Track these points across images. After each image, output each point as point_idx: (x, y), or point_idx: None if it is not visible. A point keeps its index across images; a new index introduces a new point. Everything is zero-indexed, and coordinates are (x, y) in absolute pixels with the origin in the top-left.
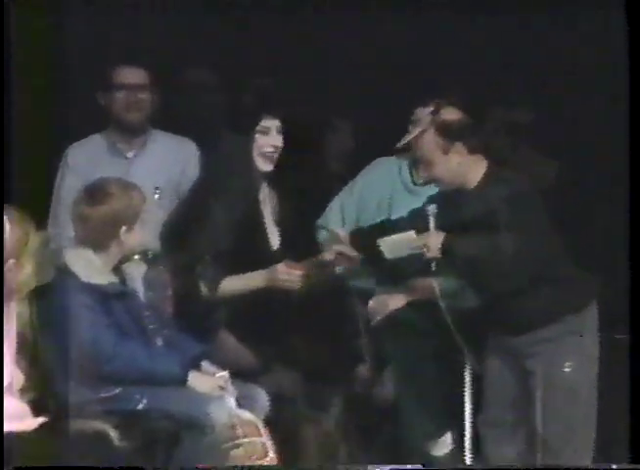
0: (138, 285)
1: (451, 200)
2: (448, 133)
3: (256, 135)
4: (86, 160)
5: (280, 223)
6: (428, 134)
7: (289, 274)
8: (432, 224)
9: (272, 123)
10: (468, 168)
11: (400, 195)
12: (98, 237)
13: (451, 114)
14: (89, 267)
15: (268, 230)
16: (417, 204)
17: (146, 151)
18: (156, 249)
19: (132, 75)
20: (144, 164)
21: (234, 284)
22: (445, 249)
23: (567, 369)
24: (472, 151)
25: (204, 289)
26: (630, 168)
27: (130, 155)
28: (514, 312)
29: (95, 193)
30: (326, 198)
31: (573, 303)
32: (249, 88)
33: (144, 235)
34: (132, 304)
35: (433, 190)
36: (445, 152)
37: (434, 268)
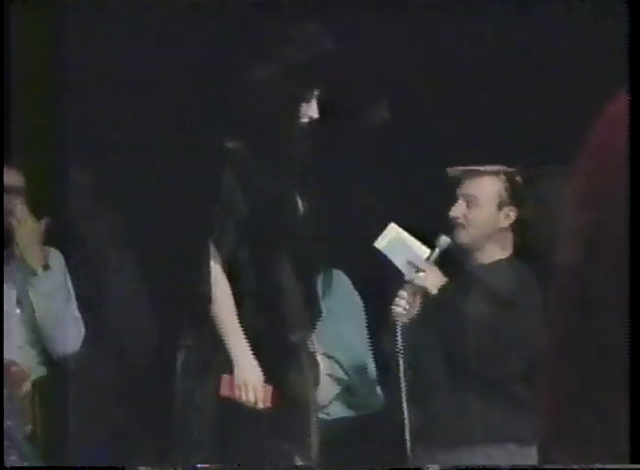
0: None
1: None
2: (514, 192)
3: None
4: None
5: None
6: (494, 179)
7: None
8: (434, 256)
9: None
10: (501, 242)
11: None
12: None
13: (519, 177)
14: None
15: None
16: None
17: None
18: None
19: (7, 177)
20: None
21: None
22: (443, 293)
23: None
24: (514, 227)
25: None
26: None
27: None
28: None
29: None
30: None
31: (521, 433)
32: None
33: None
34: None
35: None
36: (499, 207)
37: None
